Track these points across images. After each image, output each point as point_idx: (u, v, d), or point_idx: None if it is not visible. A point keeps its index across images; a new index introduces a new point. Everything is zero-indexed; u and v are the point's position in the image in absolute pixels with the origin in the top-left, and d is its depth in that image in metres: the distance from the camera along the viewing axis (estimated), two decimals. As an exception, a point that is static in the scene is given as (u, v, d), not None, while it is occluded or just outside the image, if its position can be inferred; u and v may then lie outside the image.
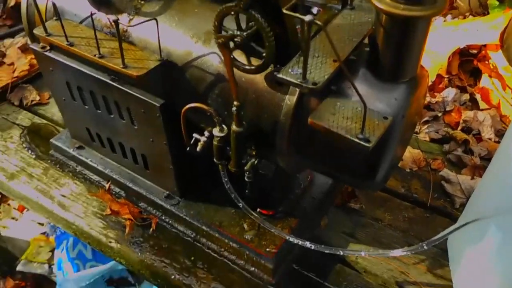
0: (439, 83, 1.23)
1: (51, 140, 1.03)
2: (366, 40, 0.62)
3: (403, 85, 0.58)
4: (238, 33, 0.57)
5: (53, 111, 1.19)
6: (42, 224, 1.53)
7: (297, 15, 0.47)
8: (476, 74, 1.30)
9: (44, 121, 1.16)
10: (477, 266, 0.74)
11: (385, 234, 0.91)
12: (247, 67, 0.59)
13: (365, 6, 0.65)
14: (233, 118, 0.62)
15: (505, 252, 0.66)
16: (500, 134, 1.12)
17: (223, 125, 0.66)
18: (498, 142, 1.10)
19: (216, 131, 0.66)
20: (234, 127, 0.63)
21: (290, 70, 0.53)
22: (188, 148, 0.74)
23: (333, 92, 0.59)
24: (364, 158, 0.59)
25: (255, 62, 0.60)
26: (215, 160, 0.69)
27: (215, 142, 0.67)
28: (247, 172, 0.67)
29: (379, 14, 0.54)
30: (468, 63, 1.31)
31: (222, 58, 0.65)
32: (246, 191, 0.72)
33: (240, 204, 0.71)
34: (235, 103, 0.61)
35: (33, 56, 1.21)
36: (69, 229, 0.92)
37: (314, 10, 0.67)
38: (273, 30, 0.55)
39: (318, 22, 0.46)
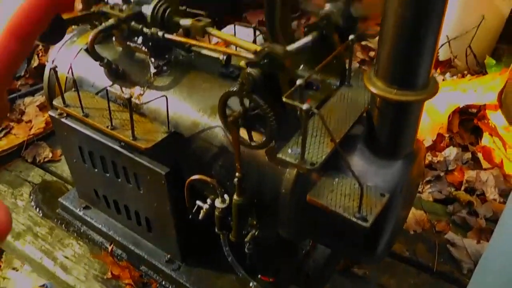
0: (440, 142, 1.25)
1: (59, 199, 1.06)
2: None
3: (400, 161, 0.60)
4: (240, 110, 0.60)
5: (64, 168, 1.22)
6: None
7: (296, 103, 0.49)
8: (477, 132, 1.32)
9: (55, 178, 1.19)
10: None
11: (390, 300, 0.90)
12: (250, 143, 0.62)
13: (361, 84, 0.68)
14: (235, 189, 0.64)
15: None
16: (504, 194, 1.12)
17: (225, 196, 0.67)
18: (503, 202, 1.10)
19: (218, 203, 0.67)
20: (235, 197, 0.64)
21: (289, 150, 0.55)
22: (190, 216, 0.75)
23: (332, 166, 0.61)
24: (363, 233, 0.60)
25: (257, 138, 0.63)
26: (216, 230, 0.70)
27: (216, 213, 0.68)
28: (248, 244, 0.68)
29: (374, 97, 0.57)
30: (468, 122, 1.33)
31: (227, 133, 0.68)
32: (246, 261, 0.72)
33: (240, 274, 0.71)
34: (237, 174, 0.63)
35: (49, 114, 1.26)
36: (71, 293, 0.92)
37: (314, 86, 0.70)
38: (274, 109, 0.58)
39: (315, 111, 0.49)
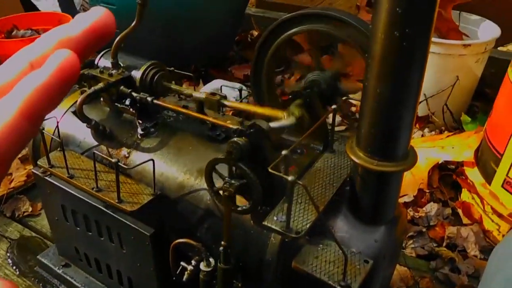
0: (421, 197, 1.28)
1: (38, 256, 1.03)
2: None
3: (383, 227, 0.62)
4: (227, 180, 0.61)
5: (44, 223, 1.19)
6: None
7: (281, 175, 0.51)
8: (457, 187, 1.36)
9: (33, 234, 1.16)
10: None
11: None
12: (236, 209, 0.63)
13: (344, 149, 0.71)
14: (220, 257, 0.64)
15: None
16: (484, 250, 1.14)
17: (210, 260, 0.67)
18: (484, 259, 1.11)
19: (203, 266, 0.67)
20: (221, 265, 0.64)
21: (275, 217, 0.57)
22: (174, 278, 0.74)
23: (317, 230, 0.62)
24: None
25: (243, 202, 0.64)
26: (201, 295, 0.69)
27: (201, 276, 0.68)
28: (233, 310, 0.67)
29: (356, 165, 0.59)
30: (448, 177, 1.37)
31: (215, 200, 0.68)
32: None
33: None
34: (223, 243, 0.63)
35: (31, 167, 1.25)
36: None
37: (299, 150, 0.73)
38: (260, 177, 0.60)
39: (300, 183, 0.51)
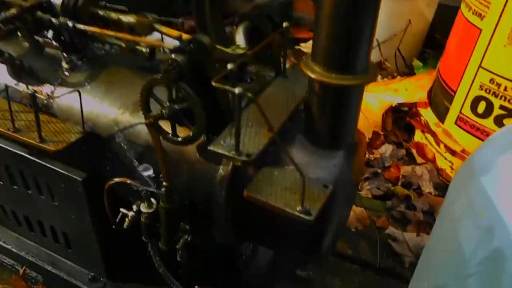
0: (376, 140, 1.26)
1: (-42, 219, 0.90)
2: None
3: (342, 151, 0.56)
4: (167, 104, 0.53)
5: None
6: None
7: (227, 87, 0.44)
8: (410, 129, 1.35)
9: (-47, 197, 1.02)
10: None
11: (335, 301, 0.86)
12: (176, 138, 0.55)
13: (297, 75, 0.64)
14: (162, 198, 0.57)
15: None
16: (439, 187, 1.14)
17: (152, 200, 0.59)
18: (438, 195, 1.12)
19: (143, 207, 0.59)
20: (163, 204, 0.57)
21: (222, 141, 0.49)
22: (114, 226, 0.66)
23: (269, 160, 0.56)
24: (306, 229, 0.55)
25: (185, 133, 0.56)
26: (143, 238, 0.62)
27: (142, 219, 0.60)
28: (180, 251, 0.60)
29: (312, 83, 0.53)
30: (401, 119, 1.36)
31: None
32: (179, 272, 0.64)
33: (174, 285, 0.63)
34: (164, 183, 0.56)
35: None
36: (-27, 329, 0.78)
37: (248, 78, 0.65)
38: (204, 100, 0.52)
39: (249, 94, 0.43)
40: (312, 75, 0.50)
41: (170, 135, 0.54)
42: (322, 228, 0.55)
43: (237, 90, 0.43)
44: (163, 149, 0.54)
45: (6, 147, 0.70)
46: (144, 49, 0.66)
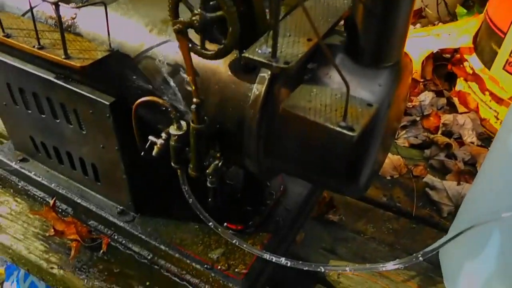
0: (414, 88, 1.19)
1: (-10, 153, 0.91)
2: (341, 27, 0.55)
3: (387, 70, 0.51)
4: (197, 11, 0.48)
5: (-2, 122, 1.06)
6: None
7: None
8: (450, 79, 1.27)
9: (-14, 133, 1.04)
10: (477, 280, 0.66)
11: (369, 249, 0.83)
12: (207, 52, 0.51)
13: (340, -12, 0.59)
14: (192, 116, 0.53)
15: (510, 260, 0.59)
16: (482, 137, 1.07)
17: (181, 122, 0.56)
18: (481, 146, 1.05)
19: (173, 129, 0.56)
20: (193, 124, 0.54)
21: (257, 49, 0.45)
22: (142, 153, 0.64)
23: (306, 80, 0.52)
24: (348, 152, 0.51)
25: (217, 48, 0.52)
26: (172, 164, 0.59)
27: (172, 143, 0.57)
28: (210, 177, 0.57)
29: (358, -9, 0.47)
30: (442, 68, 1.27)
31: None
32: (209, 199, 0.62)
33: (203, 216, 0.61)
34: (194, 100, 0.52)
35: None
36: (6, 254, 0.79)
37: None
38: (238, 9, 0.47)
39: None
40: (360, -22, 0.45)
41: (200, 47, 0.50)
42: (363, 151, 0.51)
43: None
44: (192, 61, 0.50)
45: (34, 72, 0.68)
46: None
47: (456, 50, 1.24)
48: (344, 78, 0.42)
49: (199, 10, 0.48)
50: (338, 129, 0.44)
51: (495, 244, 0.60)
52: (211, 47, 0.51)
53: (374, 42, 0.50)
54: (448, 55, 1.27)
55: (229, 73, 0.54)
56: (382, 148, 0.58)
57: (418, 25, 1.52)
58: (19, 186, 0.89)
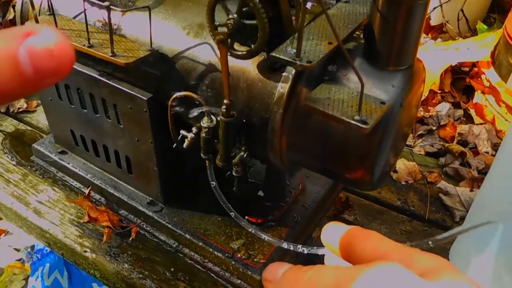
0: (432, 99, 1.23)
1: (33, 145, 0.99)
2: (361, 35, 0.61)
3: (401, 72, 0.56)
4: (233, 16, 0.54)
5: (39, 118, 1.15)
6: (19, 250, 1.46)
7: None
8: (468, 92, 1.30)
9: (29, 128, 1.12)
10: (487, 276, 0.69)
11: (381, 248, 0.86)
12: (239, 52, 0.57)
13: (360, 0, 0.64)
14: (223, 113, 0.59)
15: None
16: (497, 148, 1.10)
17: (212, 116, 0.62)
18: (494, 155, 1.08)
19: (204, 122, 0.62)
20: (223, 117, 0.60)
21: (283, 49, 0.51)
22: (174, 145, 0.70)
23: (326, 80, 0.57)
24: (362, 144, 0.56)
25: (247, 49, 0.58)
26: (202, 155, 0.65)
27: (202, 135, 0.63)
28: (236, 166, 0.63)
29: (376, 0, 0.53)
30: (460, 81, 1.31)
31: (215, 49, 0.63)
32: (234, 188, 0.67)
33: (226, 205, 0.66)
34: (225, 101, 0.58)
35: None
36: (43, 238, 0.86)
37: (309, 4, 0.66)
38: (268, 15, 0.53)
39: (314, -7, 0.44)
40: (377, -12, 0.50)
41: (233, 50, 0.56)
42: (376, 145, 0.56)
43: (303, -9, 0.44)
44: (228, 66, 0.56)
45: (79, 69, 0.76)
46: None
47: (474, 64, 1.27)
48: (359, 75, 0.47)
49: (234, 15, 0.54)
50: (353, 122, 0.49)
51: (502, 240, 0.64)
52: (239, 47, 0.57)
53: (388, 46, 0.55)
54: (466, 69, 1.31)
55: (257, 72, 0.60)
56: (393, 150, 0.63)
57: (439, 40, 1.56)
58: (57, 177, 0.96)
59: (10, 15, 1.49)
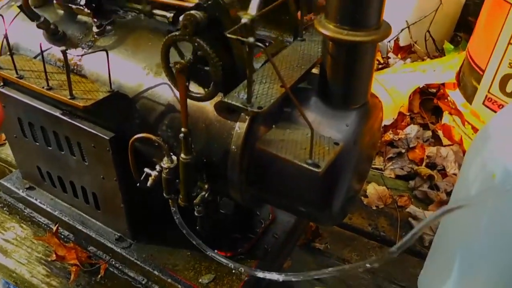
0: (401, 121, 1.25)
1: (0, 180, 0.98)
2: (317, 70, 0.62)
3: (354, 111, 0.57)
4: (186, 58, 0.55)
5: (8, 152, 1.13)
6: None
7: (239, 37, 0.46)
8: (437, 112, 1.33)
9: (-3, 163, 1.11)
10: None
11: (353, 276, 0.87)
12: (196, 94, 0.58)
13: (315, 39, 0.66)
14: (181, 147, 0.60)
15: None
16: (463, 170, 1.12)
17: (172, 156, 0.63)
18: (462, 177, 1.10)
19: (164, 162, 0.63)
20: (182, 155, 0.60)
21: (236, 94, 0.52)
22: (138, 184, 0.70)
23: (283, 119, 0.58)
24: (317, 186, 0.57)
25: (204, 91, 0.59)
26: (164, 194, 0.65)
27: (164, 175, 0.63)
28: (197, 206, 0.63)
29: (326, 41, 0.54)
30: (428, 102, 1.34)
31: (174, 87, 0.63)
32: (197, 227, 0.67)
33: (194, 241, 0.66)
34: (183, 129, 0.58)
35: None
36: (10, 278, 0.84)
37: (266, 43, 0.67)
38: (221, 57, 0.54)
39: (260, 44, 0.45)
40: (325, 32, 0.52)
41: (189, 91, 0.57)
42: (331, 186, 0.57)
43: (250, 40, 0.45)
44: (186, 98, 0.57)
45: (42, 108, 0.75)
46: (168, 15, 0.70)
47: (441, 85, 1.31)
48: (308, 120, 0.48)
49: (190, 57, 0.55)
50: (305, 165, 0.49)
51: (462, 269, 0.65)
52: (196, 88, 0.58)
53: (341, 87, 0.56)
54: (434, 90, 1.34)
55: (215, 113, 0.60)
56: (356, 177, 0.63)
57: (408, 60, 1.60)
58: (25, 213, 0.95)
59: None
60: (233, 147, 0.59)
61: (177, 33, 0.54)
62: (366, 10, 0.50)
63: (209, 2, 0.53)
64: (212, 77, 0.55)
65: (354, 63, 0.53)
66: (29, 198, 0.93)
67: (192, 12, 0.52)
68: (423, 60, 1.54)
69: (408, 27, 1.55)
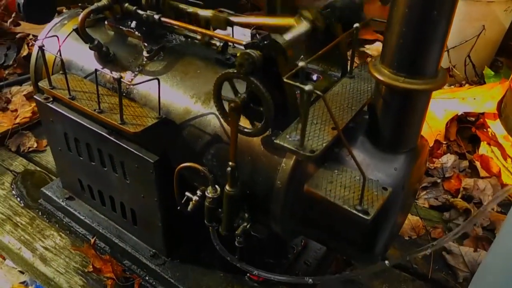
0: (437, 149, 1.23)
1: (42, 189, 1.01)
2: (365, 108, 0.62)
3: (403, 155, 0.57)
4: (240, 95, 0.56)
5: (48, 159, 1.17)
6: (23, 273, 1.46)
7: (298, 84, 0.46)
8: (474, 141, 1.30)
9: (38, 168, 1.14)
10: None
11: (383, 307, 0.86)
12: (246, 130, 0.58)
13: (364, 75, 0.66)
14: (227, 179, 0.60)
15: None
16: (502, 204, 1.09)
17: (216, 186, 0.64)
18: (501, 212, 1.07)
19: (208, 192, 0.64)
20: (227, 188, 0.61)
21: (288, 136, 0.52)
22: (179, 207, 0.71)
23: (331, 158, 0.58)
24: (362, 229, 0.56)
25: (253, 126, 0.59)
26: (205, 222, 0.66)
27: (206, 203, 0.64)
28: (238, 237, 0.64)
29: (379, 85, 0.54)
30: (466, 130, 1.31)
31: (222, 119, 0.64)
32: (236, 256, 0.68)
33: (238, 264, 0.66)
34: (230, 163, 0.59)
35: (35, 104, 1.22)
36: (48, 286, 0.87)
37: (314, 77, 0.67)
38: (273, 95, 0.55)
39: (318, 92, 0.46)
40: (380, 77, 0.52)
41: (239, 126, 0.58)
42: (377, 230, 0.57)
43: (307, 88, 0.45)
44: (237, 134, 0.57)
45: (89, 126, 0.78)
46: (218, 43, 0.71)
47: (480, 114, 1.28)
48: (361, 169, 0.48)
49: (244, 95, 0.56)
50: (354, 211, 0.49)
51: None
52: (245, 123, 0.58)
53: (392, 131, 0.56)
54: (472, 118, 1.31)
55: (262, 147, 0.61)
56: (401, 213, 0.63)
57: (445, 85, 1.57)
58: (64, 222, 0.98)
59: (24, 52, 1.53)
60: (278, 182, 0.60)
61: (232, 70, 0.55)
62: (425, 59, 0.49)
63: (266, 42, 0.54)
64: (264, 114, 0.55)
65: (408, 110, 0.53)
66: (68, 208, 0.96)
67: (248, 51, 0.53)
68: (461, 85, 1.51)
69: (448, 50, 1.52)
